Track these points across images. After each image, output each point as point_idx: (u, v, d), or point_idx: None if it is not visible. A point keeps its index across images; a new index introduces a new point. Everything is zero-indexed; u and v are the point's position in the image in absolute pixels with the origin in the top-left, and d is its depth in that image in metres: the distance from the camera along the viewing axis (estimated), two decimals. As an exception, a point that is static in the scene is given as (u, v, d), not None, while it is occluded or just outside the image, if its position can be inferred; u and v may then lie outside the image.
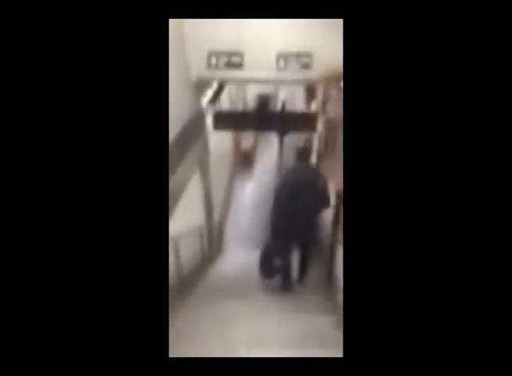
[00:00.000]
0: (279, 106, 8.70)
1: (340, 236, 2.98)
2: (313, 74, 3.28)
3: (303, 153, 3.31)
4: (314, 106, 8.02)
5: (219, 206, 5.63)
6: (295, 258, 3.46)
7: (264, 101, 9.19)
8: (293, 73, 3.28)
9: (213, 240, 4.84)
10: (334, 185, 3.19)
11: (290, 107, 7.91)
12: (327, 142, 5.25)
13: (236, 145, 7.97)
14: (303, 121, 4.56)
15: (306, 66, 3.27)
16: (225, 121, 4.37)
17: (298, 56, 3.23)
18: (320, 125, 5.11)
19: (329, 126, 4.96)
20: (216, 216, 5.11)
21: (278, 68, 3.30)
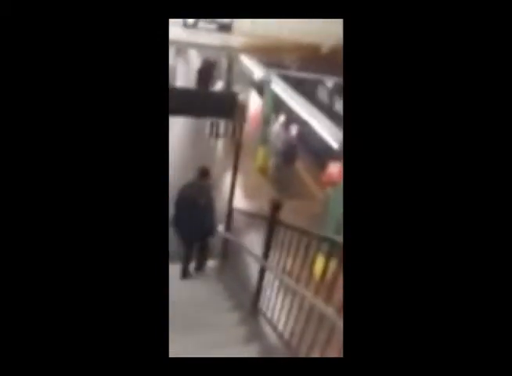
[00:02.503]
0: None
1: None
2: (233, 40, 2.18)
3: (203, 172, 3.58)
4: (219, 86, 6.99)
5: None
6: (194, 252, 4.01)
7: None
8: (206, 35, 2.16)
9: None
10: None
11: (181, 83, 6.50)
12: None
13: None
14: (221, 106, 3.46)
15: (224, 28, 2.13)
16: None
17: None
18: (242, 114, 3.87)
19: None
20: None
21: (185, 25, 2.19)
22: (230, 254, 4.12)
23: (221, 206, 4.24)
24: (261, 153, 7.47)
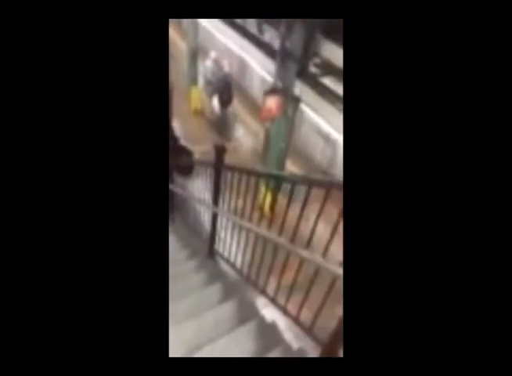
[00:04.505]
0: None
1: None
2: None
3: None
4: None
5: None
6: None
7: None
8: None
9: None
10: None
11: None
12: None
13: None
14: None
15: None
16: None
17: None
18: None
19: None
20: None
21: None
22: (178, 204, 4.06)
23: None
24: (194, 94, 6.66)
